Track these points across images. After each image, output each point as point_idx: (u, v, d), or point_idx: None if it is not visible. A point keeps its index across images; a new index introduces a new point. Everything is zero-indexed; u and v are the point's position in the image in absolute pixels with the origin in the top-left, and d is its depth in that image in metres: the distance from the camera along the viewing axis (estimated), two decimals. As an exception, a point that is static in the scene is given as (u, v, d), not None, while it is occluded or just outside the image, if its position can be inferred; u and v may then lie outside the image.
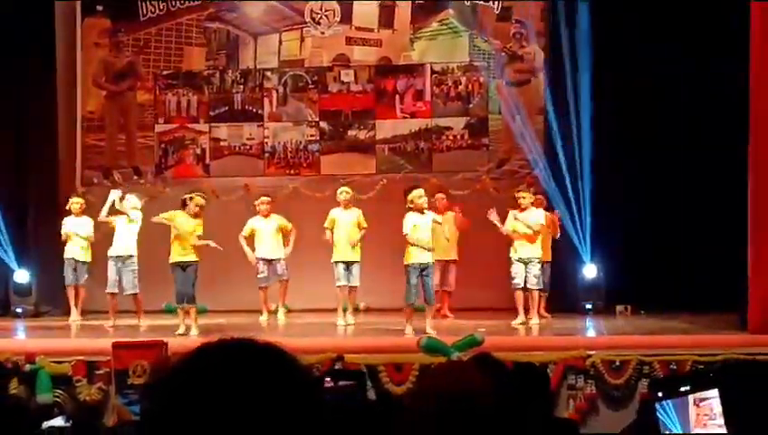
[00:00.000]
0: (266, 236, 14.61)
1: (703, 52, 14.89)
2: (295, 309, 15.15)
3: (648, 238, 15.02)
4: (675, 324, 13.00)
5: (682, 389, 4.19)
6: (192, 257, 13.06)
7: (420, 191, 12.92)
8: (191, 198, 13.23)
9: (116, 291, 14.11)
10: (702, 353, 10.63)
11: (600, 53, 15.12)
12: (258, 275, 14.57)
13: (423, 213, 12.78)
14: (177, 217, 13.21)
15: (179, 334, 12.46)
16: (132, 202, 14.13)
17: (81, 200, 14.98)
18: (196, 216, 13.16)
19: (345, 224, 14.13)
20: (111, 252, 14.06)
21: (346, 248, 14.05)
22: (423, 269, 12.67)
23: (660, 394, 4.27)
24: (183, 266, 13.03)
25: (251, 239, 14.65)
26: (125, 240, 14.03)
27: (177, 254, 13.07)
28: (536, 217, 13.68)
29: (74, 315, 14.71)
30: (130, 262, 14.04)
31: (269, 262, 14.57)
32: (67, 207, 14.89)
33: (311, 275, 14.77)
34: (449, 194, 15.16)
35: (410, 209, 12.76)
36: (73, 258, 14.65)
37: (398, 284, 12.91)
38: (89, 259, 14.75)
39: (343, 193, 14.32)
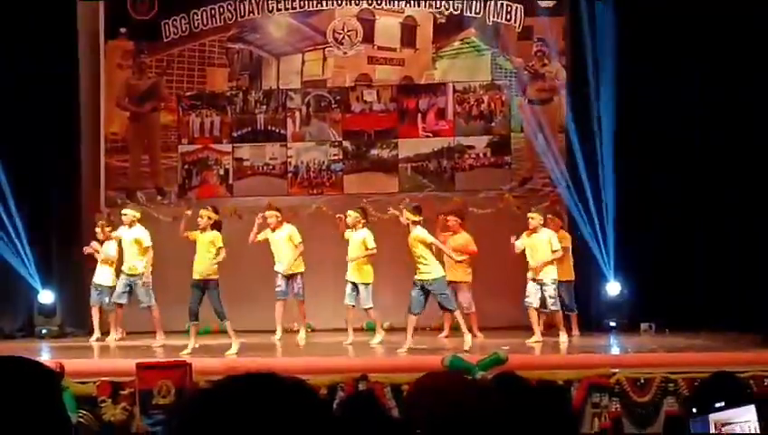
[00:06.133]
0: (280, 246, 14.42)
1: (726, 71, 14.88)
2: (318, 329, 15.13)
3: (672, 256, 14.98)
4: (699, 342, 12.95)
5: (717, 405, 4.12)
6: (211, 276, 13.08)
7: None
8: (200, 216, 13.30)
9: (123, 302, 14.29)
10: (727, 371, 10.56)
11: (622, 69, 15.13)
12: (276, 289, 14.44)
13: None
14: (195, 236, 13.30)
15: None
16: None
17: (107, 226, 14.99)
18: (210, 228, 13.19)
19: (352, 245, 14.05)
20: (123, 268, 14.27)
21: (351, 269, 14.04)
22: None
23: (694, 410, 4.18)
24: (201, 287, 13.06)
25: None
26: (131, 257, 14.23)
27: (197, 272, 13.10)
28: (545, 237, 13.68)
29: (97, 334, 14.75)
30: (139, 277, 14.15)
31: (286, 277, 14.46)
32: (98, 229, 14.91)
33: (333, 294, 14.73)
34: (471, 213, 15.20)
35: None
36: (101, 284, 14.71)
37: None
38: (115, 283, 14.74)
39: (350, 216, 14.15)
